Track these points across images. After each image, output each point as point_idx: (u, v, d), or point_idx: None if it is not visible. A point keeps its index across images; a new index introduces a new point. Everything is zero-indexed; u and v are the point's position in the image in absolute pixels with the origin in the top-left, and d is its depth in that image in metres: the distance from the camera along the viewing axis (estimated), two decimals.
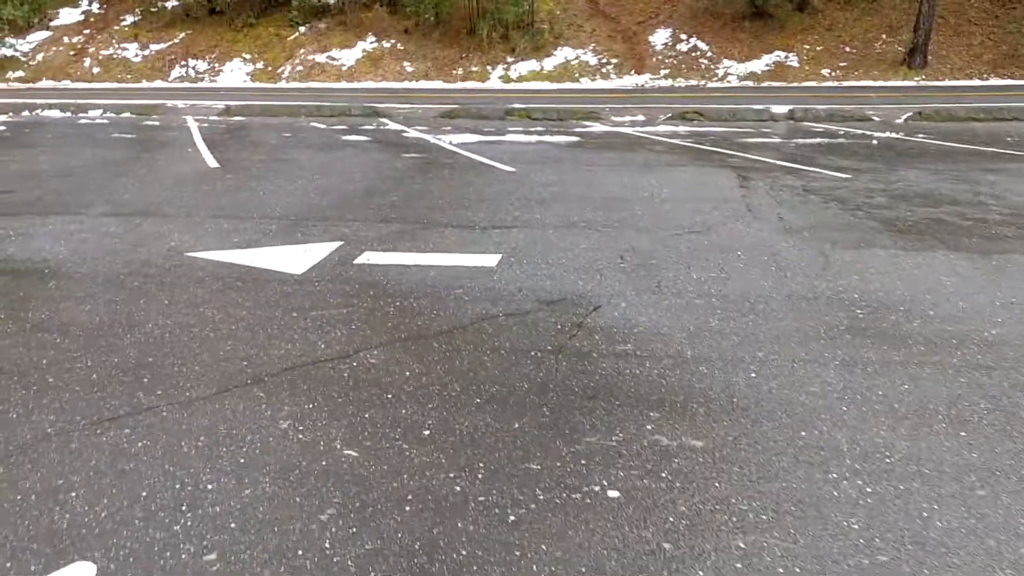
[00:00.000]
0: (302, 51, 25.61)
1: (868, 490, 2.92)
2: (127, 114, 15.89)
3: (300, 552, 2.60)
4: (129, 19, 28.03)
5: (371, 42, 25.54)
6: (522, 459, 3.18)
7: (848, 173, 9.27)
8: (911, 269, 5.65)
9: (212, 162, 10.51)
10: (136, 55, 26.32)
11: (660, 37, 24.55)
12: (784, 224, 6.93)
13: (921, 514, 2.77)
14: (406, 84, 23.39)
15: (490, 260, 5.97)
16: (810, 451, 3.21)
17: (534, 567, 2.52)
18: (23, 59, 26.38)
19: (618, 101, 17.34)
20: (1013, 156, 10.64)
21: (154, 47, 26.55)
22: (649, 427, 3.42)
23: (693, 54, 23.77)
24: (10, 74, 25.65)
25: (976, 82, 21.23)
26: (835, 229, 6.78)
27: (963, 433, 3.35)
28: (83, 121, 14.92)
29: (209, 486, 3.00)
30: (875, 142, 11.73)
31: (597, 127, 13.92)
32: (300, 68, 24.96)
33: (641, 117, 14.81)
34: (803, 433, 3.35)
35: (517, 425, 3.45)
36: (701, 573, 2.48)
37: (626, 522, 2.75)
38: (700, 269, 5.67)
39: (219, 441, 3.33)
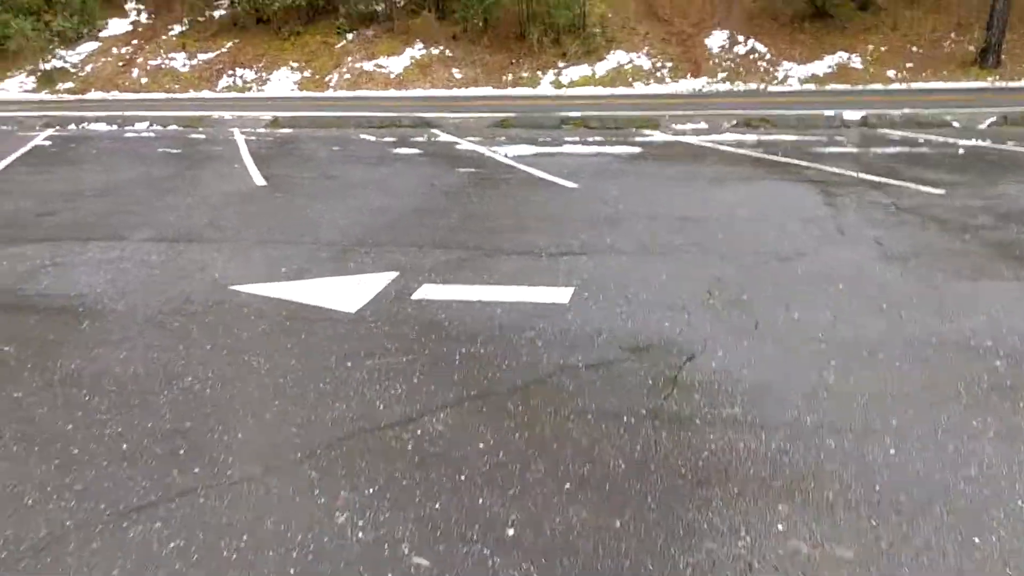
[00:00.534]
0: (349, 59, 25.29)
1: None
2: (173, 127, 15.59)
3: None
4: (177, 29, 27.96)
5: (419, 49, 25.13)
6: (633, 574, 2.59)
7: (940, 188, 8.52)
8: None
9: (259, 179, 10.08)
10: (184, 65, 26.21)
11: (716, 40, 23.78)
12: (883, 250, 6.25)
13: None
14: (455, 91, 22.91)
15: (562, 295, 5.39)
16: (991, 565, 2.58)
17: None
18: (72, 70, 26.41)
19: (677, 107, 16.66)
20: None
21: (201, 57, 26.42)
22: (780, 527, 2.82)
23: (751, 56, 22.97)
24: (60, 85, 25.69)
25: None
26: (942, 256, 6.09)
27: None
28: (129, 135, 14.65)
29: None
30: (961, 151, 10.93)
31: (658, 136, 13.27)
32: (348, 76, 24.63)
33: (704, 124, 14.12)
34: (976, 539, 2.71)
35: (619, 523, 2.86)
36: None
37: None
38: (800, 306, 5.04)
39: (264, 542, 2.80)
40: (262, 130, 15.28)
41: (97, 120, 16.06)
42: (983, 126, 12.90)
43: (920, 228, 6.90)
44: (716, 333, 4.66)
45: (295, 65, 25.58)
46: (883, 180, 8.94)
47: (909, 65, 21.61)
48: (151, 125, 15.61)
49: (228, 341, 4.74)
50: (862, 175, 9.29)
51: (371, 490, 3.11)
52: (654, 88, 22.14)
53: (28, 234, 7.55)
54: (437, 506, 2.99)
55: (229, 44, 26.84)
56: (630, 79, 22.72)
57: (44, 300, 5.62)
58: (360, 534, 2.83)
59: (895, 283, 5.44)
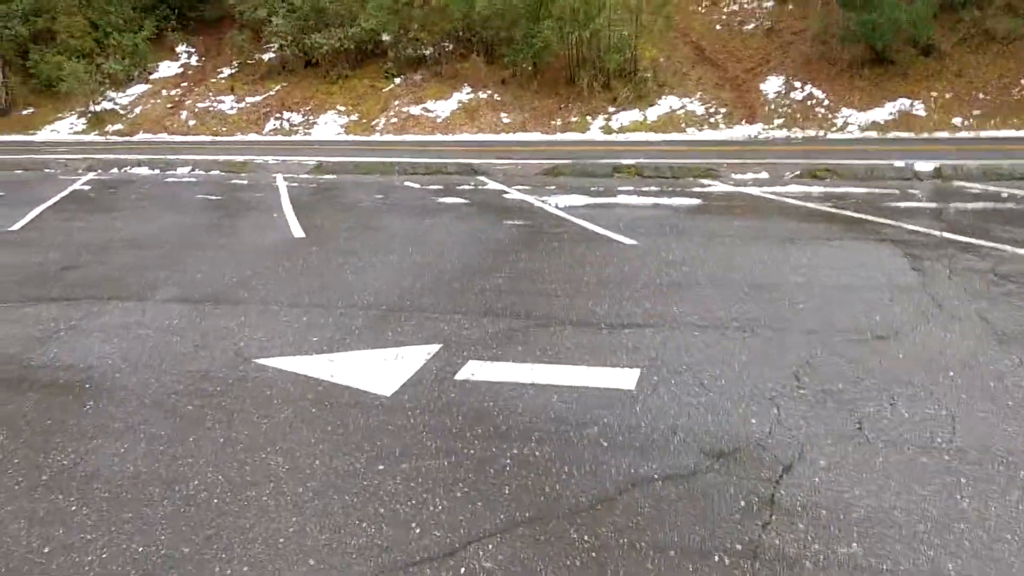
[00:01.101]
0: (397, 103, 25.02)
1: None
2: (216, 171, 15.26)
3: None
4: (226, 72, 28.00)
5: (467, 93, 24.80)
6: None
7: None
8: None
9: (298, 230, 9.56)
10: (232, 107, 26.15)
11: (772, 85, 23.08)
12: (992, 328, 5.47)
13: None
14: (503, 136, 22.46)
15: (627, 378, 4.71)
16: None
17: None
18: (122, 112, 26.49)
19: (734, 155, 15.96)
20: None
21: (249, 100, 26.35)
22: None
23: (808, 102, 22.22)
24: (109, 127, 25.75)
25: None
26: None
27: None
28: (170, 179, 14.32)
29: None
30: None
31: (717, 187, 12.57)
32: (395, 120, 24.34)
33: (764, 174, 13.39)
34: None
35: None
36: None
37: None
38: (909, 401, 4.29)
39: None
40: (305, 176, 14.87)
41: (140, 164, 15.80)
42: None
43: None
44: (814, 434, 3.93)
45: (342, 109, 25.38)
46: (973, 241, 8.14)
47: (976, 113, 20.68)
48: (193, 169, 15.29)
49: (245, 433, 4.12)
50: (947, 234, 8.50)
51: None
52: (708, 134, 21.46)
53: (49, 291, 7.06)
54: None
55: (277, 87, 26.77)
56: (683, 125, 22.08)
57: (50, 373, 5.07)
58: None
59: (1016, 372, 4.67)
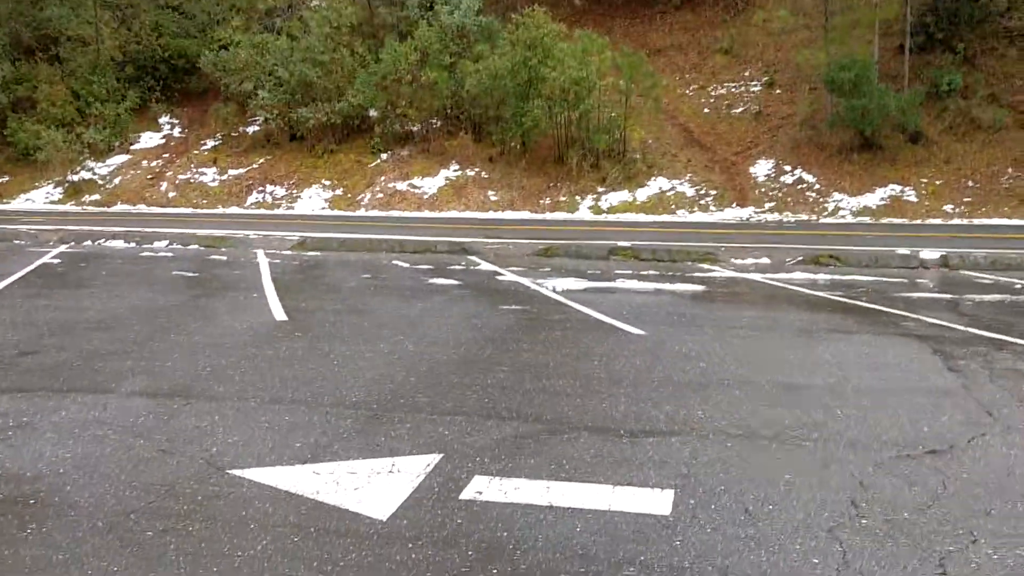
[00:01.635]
0: (383, 178, 24.66)
1: None
2: (194, 246, 14.63)
3: None
4: (209, 144, 27.61)
5: (454, 170, 24.49)
6: None
7: None
8: None
9: (279, 313, 8.93)
10: (214, 180, 25.67)
11: (761, 168, 22.95)
12: None
13: None
14: (491, 214, 22.07)
15: (660, 501, 4.08)
16: None
17: None
18: (100, 182, 25.93)
19: (729, 239, 15.58)
20: None
21: (232, 172, 25.91)
22: None
23: (799, 186, 22.04)
24: (86, 197, 25.16)
25: None
26: None
27: None
28: (146, 254, 13.67)
29: None
30: None
31: (718, 272, 12.11)
32: (380, 196, 23.94)
33: (766, 260, 12.97)
34: None
35: None
36: None
37: None
38: (993, 537, 3.69)
39: None
40: (288, 252, 14.29)
41: (115, 236, 15.17)
42: None
43: None
44: None
45: (327, 183, 24.98)
46: (1004, 338, 7.64)
47: (967, 200, 20.56)
48: (170, 244, 14.68)
49: (215, 571, 3.43)
50: (973, 330, 8.00)
51: None
52: (699, 216, 21.17)
53: (0, 380, 6.36)
54: None
55: (261, 160, 26.38)
56: (673, 206, 21.80)
57: None
58: None
59: None
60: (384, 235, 15.66)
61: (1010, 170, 21.60)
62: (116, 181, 26.13)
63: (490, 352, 7.22)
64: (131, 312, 8.94)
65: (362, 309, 9.24)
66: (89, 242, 15.03)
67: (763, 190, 22.19)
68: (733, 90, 26.65)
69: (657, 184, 22.75)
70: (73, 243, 15.00)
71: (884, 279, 11.38)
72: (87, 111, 27.48)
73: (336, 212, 23.35)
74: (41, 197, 25.62)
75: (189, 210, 23.94)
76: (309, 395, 5.94)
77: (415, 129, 25.87)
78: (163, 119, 29.10)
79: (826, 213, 20.91)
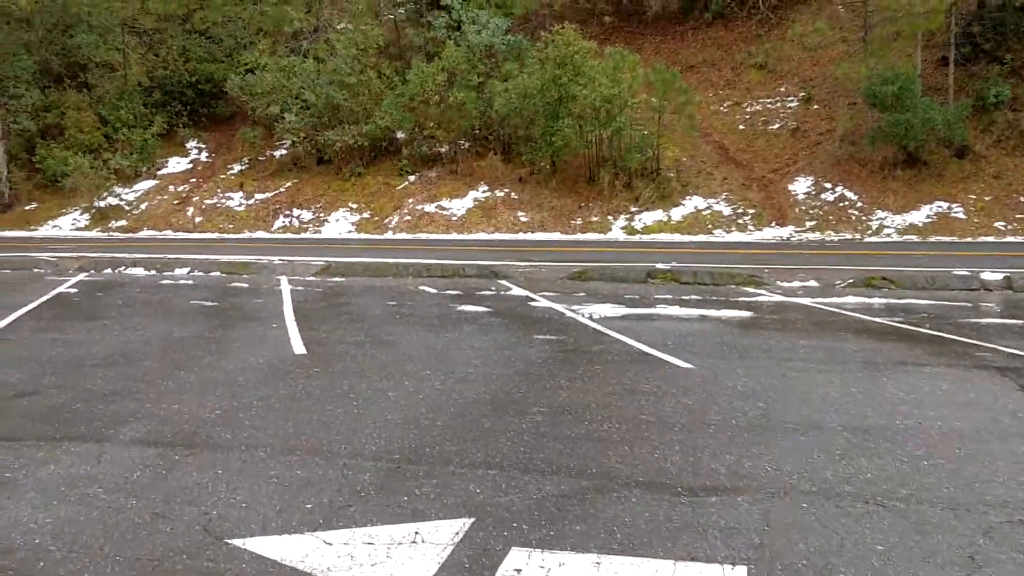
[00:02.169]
0: (411, 200, 24.18)
1: None
2: (216, 273, 14.14)
3: None
4: (236, 168, 27.31)
5: (483, 191, 23.96)
6: None
7: None
8: None
9: (298, 345, 8.36)
10: (240, 204, 25.33)
11: (801, 186, 22.18)
12: None
13: None
14: (521, 235, 21.49)
15: None
16: None
17: None
18: (127, 208, 25.68)
19: (772, 259, 14.85)
20: None
21: (259, 196, 25.55)
22: None
23: (840, 204, 21.24)
24: (112, 223, 24.91)
25: None
26: None
27: None
28: (166, 281, 13.19)
29: None
30: None
31: (765, 296, 11.40)
32: (408, 218, 23.45)
33: (813, 282, 12.23)
34: None
35: None
36: None
37: None
38: None
39: None
40: (312, 278, 13.76)
41: (135, 264, 14.74)
42: None
43: None
44: None
45: (354, 206, 24.54)
46: None
47: (1020, 216, 19.65)
48: (191, 271, 14.20)
49: None
50: None
51: None
52: (737, 236, 20.43)
53: None
54: None
55: (288, 184, 26.02)
56: (709, 226, 21.09)
57: None
58: None
59: None
60: (411, 259, 15.11)
61: None
62: (143, 207, 25.88)
63: (524, 390, 6.58)
64: (143, 346, 8.41)
65: (386, 340, 8.64)
66: (109, 270, 14.60)
67: (803, 208, 21.42)
68: (769, 106, 25.95)
69: (692, 203, 22.05)
70: (93, 271, 14.58)
71: (944, 303, 10.62)
72: (114, 137, 27.32)
73: (363, 235, 22.87)
74: (68, 223, 25.41)
75: (215, 235, 23.58)
76: (325, 443, 5.33)
77: (443, 150, 25.41)
78: (190, 144, 28.88)
79: (870, 232, 20.10)
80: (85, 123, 27.10)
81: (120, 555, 3.80)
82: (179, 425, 5.78)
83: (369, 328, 9.34)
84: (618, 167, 22.76)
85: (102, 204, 25.41)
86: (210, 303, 11.16)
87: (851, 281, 12.01)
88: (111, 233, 24.23)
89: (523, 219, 22.63)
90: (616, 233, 21.34)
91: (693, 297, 11.27)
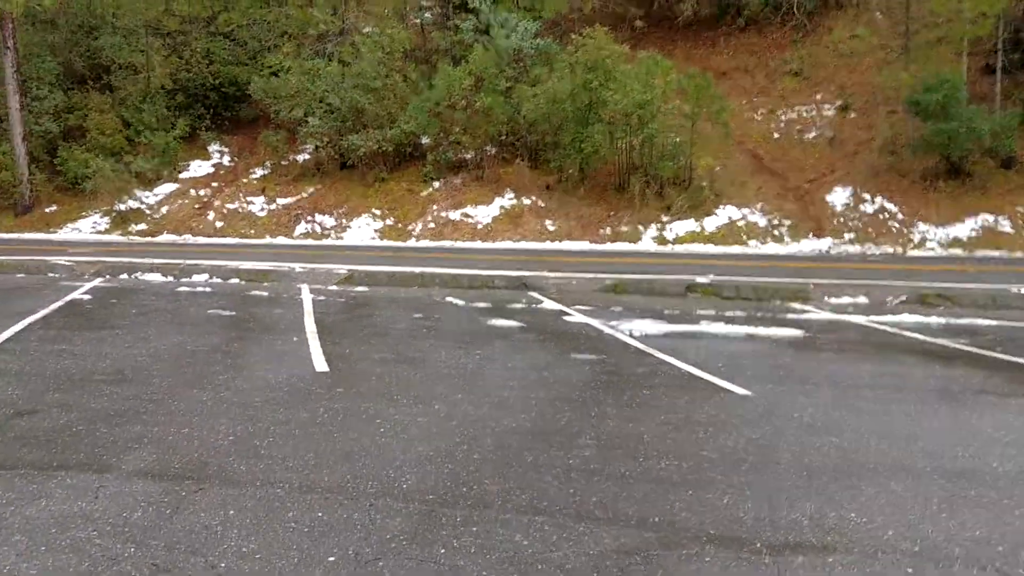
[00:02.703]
0: (435, 207, 23.62)
1: None
2: (235, 280, 13.60)
3: None
4: (258, 172, 26.82)
5: (509, 198, 23.35)
6: None
7: None
8: None
9: (320, 361, 7.79)
10: (262, 209, 24.84)
11: (839, 197, 21.42)
12: None
13: None
14: (548, 244, 20.86)
15: None
16: None
17: None
18: (147, 212, 25.24)
19: (813, 273, 14.15)
20: None
21: (281, 201, 25.06)
22: None
23: (881, 216, 20.48)
24: (132, 227, 24.48)
25: None
26: None
27: None
28: (183, 289, 12.66)
29: None
30: None
31: (814, 313, 10.73)
32: (432, 225, 22.89)
33: (863, 299, 11.55)
34: None
35: None
36: None
37: None
38: None
39: None
40: (334, 287, 13.21)
41: (152, 269, 14.24)
42: None
43: None
44: None
45: (377, 212, 24.01)
46: None
47: None
48: (210, 278, 13.68)
49: None
50: None
51: None
52: (773, 248, 19.73)
53: None
54: None
55: (310, 189, 25.52)
56: (744, 237, 20.38)
57: None
58: None
59: None
60: (436, 268, 14.53)
61: None
62: (163, 211, 25.45)
63: (568, 418, 5.97)
64: (154, 360, 7.86)
65: (413, 357, 8.05)
66: (125, 275, 14.12)
67: (841, 220, 20.67)
68: (804, 114, 25.19)
69: (726, 213, 21.35)
70: (109, 276, 14.10)
71: (1010, 323, 9.92)
72: (136, 140, 26.93)
73: (386, 243, 22.33)
74: (88, 227, 25.01)
75: (236, 240, 23.11)
76: (349, 479, 4.75)
77: (469, 156, 24.83)
78: (212, 147, 28.44)
79: (912, 245, 19.34)
80: (107, 125, 26.72)
81: None
82: (188, 453, 5.22)
83: (395, 343, 8.76)
84: (649, 175, 22.09)
85: (123, 207, 24.97)
86: (227, 313, 10.62)
87: (904, 298, 11.33)
88: (131, 237, 23.82)
89: (551, 228, 22.01)
90: (647, 243, 20.68)
91: (737, 313, 10.63)
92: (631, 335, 9.11)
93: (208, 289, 12.74)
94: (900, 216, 20.45)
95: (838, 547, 3.83)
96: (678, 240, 20.64)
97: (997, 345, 8.54)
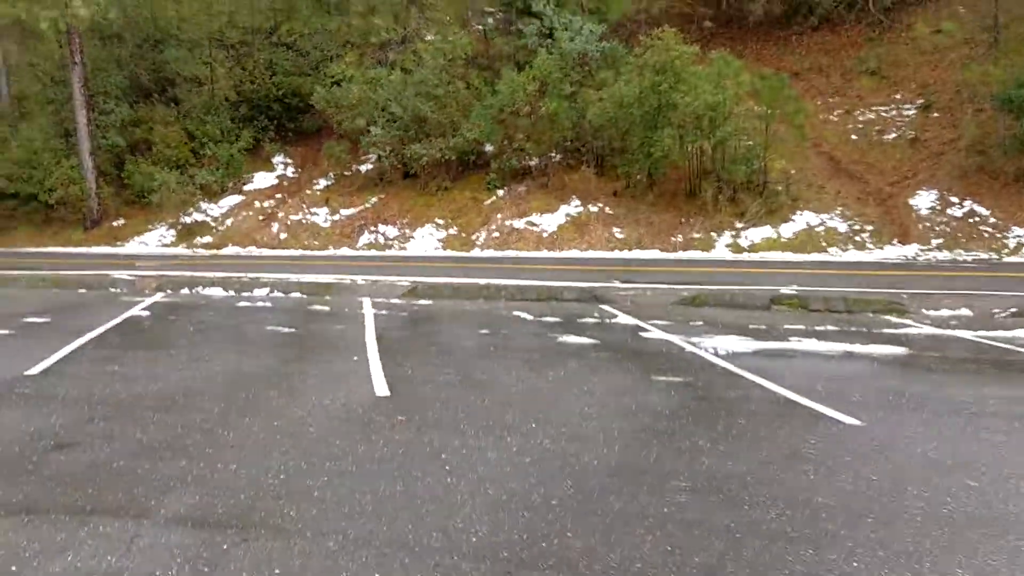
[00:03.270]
0: (499, 216, 23.08)
1: None
2: (296, 294, 13.19)
3: None
4: (322, 183, 26.60)
5: (575, 206, 22.69)
6: None
7: None
8: None
9: (380, 384, 7.24)
10: (325, 220, 24.59)
11: (924, 200, 20.27)
12: None
13: None
14: (616, 253, 20.14)
15: None
16: None
17: None
18: (212, 224, 25.21)
19: (904, 282, 13.20)
20: None
21: (344, 212, 24.77)
22: None
23: (970, 220, 19.30)
24: (197, 239, 24.46)
25: None
26: None
27: None
28: (243, 304, 12.28)
29: None
30: None
31: (913, 327, 9.84)
32: (496, 234, 22.35)
33: (965, 311, 10.62)
34: None
35: None
36: None
37: None
38: None
39: None
40: (397, 300, 12.70)
41: (213, 283, 13.91)
42: None
43: None
44: None
45: (440, 222, 23.57)
46: None
47: None
48: (271, 292, 13.29)
49: None
50: None
51: None
52: (855, 255, 18.70)
53: (14, 491, 4.82)
54: None
55: (373, 199, 25.20)
56: (823, 243, 19.39)
57: None
58: None
59: None
60: (502, 280, 13.95)
61: None
62: (228, 223, 25.38)
63: (657, 454, 5.29)
64: (207, 383, 7.39)
65: (480, 380, 7.45)
66: (186, 290, 13.82)
67: (927, 225, 19.54)
68: (883, 114, 24.05)
69: (804, 219, 20.37)
70: (170, 291, 13.82)
71: None
72: (201, 152, 26.96)
73: (450, 252, 21.85)
74: (154, 240, 25.07)
75: (299, 252, 22.88)
76: (411, 529, 4.16)
77: (533, 163, 24.24)
78: (276, 159, 28.34)
79: (1007, 251, 18.14)
80: (172, 138, 26.78)
81: None
82: (234, 494, 4.68)
83: (460, 363, 8.17)
84: (721, 180, 21.23)
85: (188, 220, 24.99)
86: (287, 330, 10.16)
87: (1014, 310, 10.37)
88: (195, 250, 23.76)
89: (619, 236, 21.27)
90: (720, 251, 19.81)
91: (829, 328, 9.80)
92: (716, 353, 8.38)
93: (269, 304, 12.34)
94: (992, 220, 19.26)
95: None
96: (753, 248, 19.74)
97: None
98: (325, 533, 4.14)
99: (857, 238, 19.50)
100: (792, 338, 9.18)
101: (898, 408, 6.26)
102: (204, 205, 25.77)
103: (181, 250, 23.87)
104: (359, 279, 14.48)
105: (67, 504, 4.59)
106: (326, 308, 11.95)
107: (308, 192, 26.59)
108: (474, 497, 4.60)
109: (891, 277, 14.24)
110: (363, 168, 26.74)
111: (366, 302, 12.36)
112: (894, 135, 23.20)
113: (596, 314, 11.10)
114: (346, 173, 26.79)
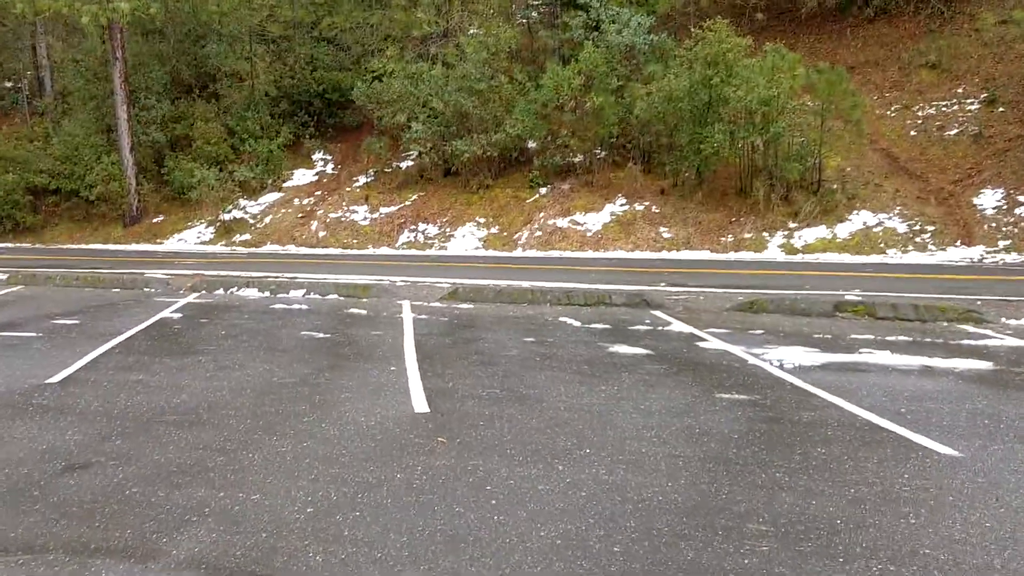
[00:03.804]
0: (542, 215, 22.48)
1: None
2: (333, 296, 12.72)
3: None
4: (361, 180, 26.17)
5: (621, 204, 22.03)
6: None
7: None
8: None
9: (419, 399, 6.70)
10: (365, 218, 24.16)
11: (989, 199, 19.29)
12: None
13: None
14: (664, 254, 19.44)
15: None
16: None
17: None
18: (251, 222, 24.91)
19: (975, 287, 12.39)
20: None
21: (384, 210, 24.33)
22: None
23: None
24: (236, 237, 24.16)
25: None
26: None
27: None
28: (278, 306, 11.82)
29: None
30: None
31: (995, 338, 9.08)
32: (539, 234, 21.75)
33: None
34: None
35: None
36: None
37: None
38: None
39: None
40: (437, 304, 12.16)
41: (249, 284, 13.49)
42: None
43: None
44: None
45: (481, 220, 23.03)
46: None
47: None
48: (307, 293, 12.83)
49: None
50: None
51: None
52: (916, 257, 17.81)
53: (14, 523, 4.35)
54: None
55: (413, 197, 24.74)
56: (882, 244, 18.51)
57: None
58: None
59: None
60: (546, 282, 13.36)
61: None
62: (267, 220, 25.07)
63: (729, 489, 4.68)
64: (234, 395, 6.91)
65: (527, 395, 6.87)
66: (221, 291, 13.41)
67: (993, 225, 18.56)
68: (944, 109, 23.01)
69: (860, 219, 19.49)
70: (204, 291, 13.43)
71: None
72: (241, 148, 26.71)
73: (491, 252, 21.30)
74: (193, 237, 24.87)
75: (338, 251, 22.49)
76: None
77: (577, 160, 23.60)
78: (316, 155, 28.01)
79: None
80: (212, 134, 26.56)
81: None
82: (255, 531, 4.16)
83: (504, 375, 7.60)
84: (774, 178, 20.41)
85: (227, 217, 24.73)
86: (321, 335, 9.67)
87: None
88: (234, 248, 23.47)
89: (666, 235, 20.56)
90: (773, 252, 19.02)
91: (901, 338, 9.07)
92: (782, 367, 7.72)
93: (304, 306, 11.88)
94: None
95: None
96: (807, 248, 18.92)
97: None
98: None
99: (917, 239, 18.58)
100: (862, 350, 8.47)
101: (997, 436, 5.57)
102: (243, 202, 25.54)
103: (219, 248, 23.61)
104: (398, 280, 13.99)
105: (69, 541, 4.11)
106: (364, 311, 11.46)
107: (347, 189, 26.21)
108: (524, 539, 4.03)
109: (959, 281, 13.41)
110: (403, 165, 26.29)
111: (405, 305, 11.86)
112: (956, 131, 22.17)
113: (648, 320, 10.47)
114: (386, 170, 26.37)
